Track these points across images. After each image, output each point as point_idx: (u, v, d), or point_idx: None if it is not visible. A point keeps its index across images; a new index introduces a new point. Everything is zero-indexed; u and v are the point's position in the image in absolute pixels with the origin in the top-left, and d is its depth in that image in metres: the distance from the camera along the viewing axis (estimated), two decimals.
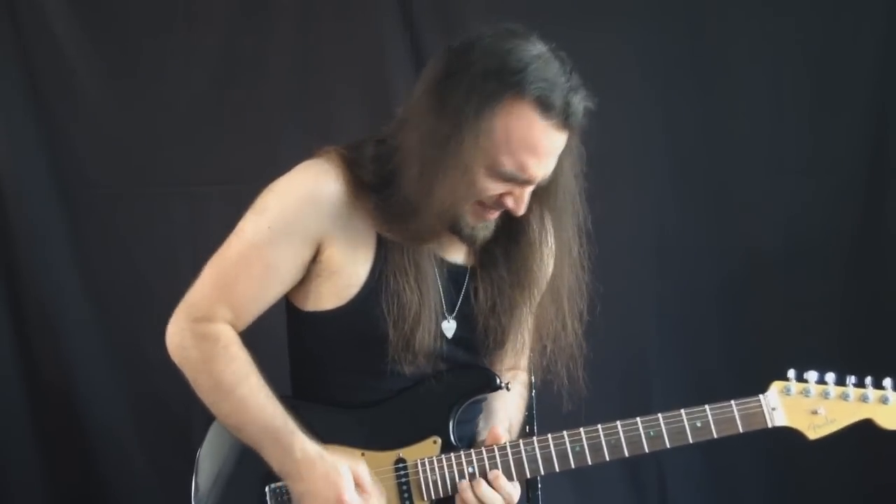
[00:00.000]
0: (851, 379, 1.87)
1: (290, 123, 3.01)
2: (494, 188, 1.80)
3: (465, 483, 1.87)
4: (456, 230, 1.87)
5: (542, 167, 1.79)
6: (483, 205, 1.83)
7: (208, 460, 1.96)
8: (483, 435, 2.00)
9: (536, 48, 1.77)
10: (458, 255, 1.96)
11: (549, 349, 1.99)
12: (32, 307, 3.05)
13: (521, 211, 1.83)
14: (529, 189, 1.82)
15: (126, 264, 3.06)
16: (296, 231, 1.85)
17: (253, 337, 1.92)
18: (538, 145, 1.76)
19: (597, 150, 2.89)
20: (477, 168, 1.77)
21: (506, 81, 1.73)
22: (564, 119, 1.76)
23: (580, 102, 1.77)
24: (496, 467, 1.87)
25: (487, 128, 1.73)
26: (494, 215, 1.87)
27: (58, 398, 3.05)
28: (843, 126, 3.02)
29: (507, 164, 1.76)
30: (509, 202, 1.82)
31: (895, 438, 2.88)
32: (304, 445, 1.83)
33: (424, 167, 1.78)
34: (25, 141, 3.01)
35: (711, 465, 3.09)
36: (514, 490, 1.89)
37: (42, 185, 3.03)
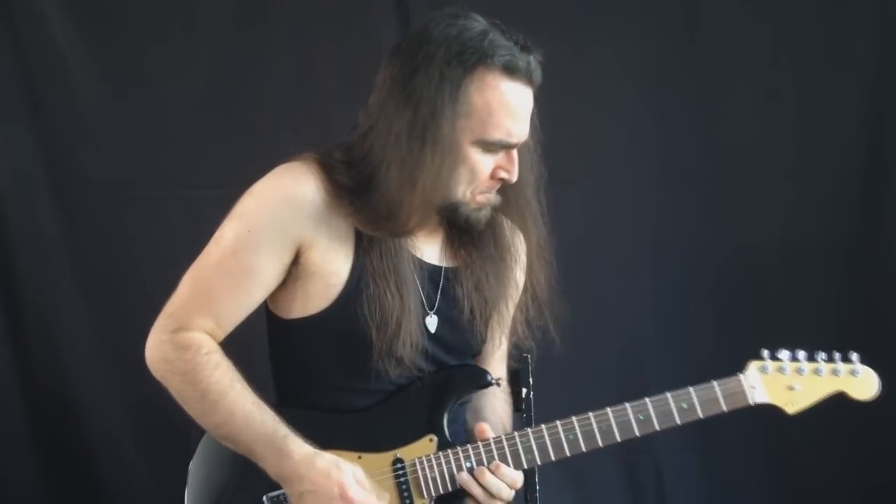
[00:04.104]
0: (822, 355, 1.93)
1: (287, 126, 3.02)
2: (486, 162, 1.88)
3: (465, 476, 1.88)
4: (456, 219, 1.91)
5: (524, 127, 1.89)
6: (482, 184, 1.89)
7: (199, 474, 1.95)
8: (470, 432, 2.01)
9: (480, 23, 1.87)
10: (433, 255, 2.00)
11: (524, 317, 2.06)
12: (30, 310, 3.05)
13: (515, 176, 1.91)
14: (515, 153, 1.90)
15: (123, 267, 3.06)
16: (276, 233, 1.87)
17: (232, 350, 1.92)
18: (517, 108, 1.87)
19: (594, 150, 2.92)
20: (466, 148, 1.85)
21: (471, 60, 1.82)
22: (528, 77, 1.87)
23: (536, 59, 1.88)
24: (494, 459, 1.89)
25: (467, 108, 1.83)
26: (493, 193, 1.93)
27: (55, 401, 3.05)
28: (840, 128, 3.03)
29: (495, 134, 1.85)
30: (503, 174, 1.89)
31: (891, 437, 2.90)
32: (299, 447, 1.84)
33: (405, 163, 1.83)
34: (23, 144, 3.01)
35: (708, 465, 3.10)
36: (517, 475, 1.90)
37: (40, 189, 3.03)
